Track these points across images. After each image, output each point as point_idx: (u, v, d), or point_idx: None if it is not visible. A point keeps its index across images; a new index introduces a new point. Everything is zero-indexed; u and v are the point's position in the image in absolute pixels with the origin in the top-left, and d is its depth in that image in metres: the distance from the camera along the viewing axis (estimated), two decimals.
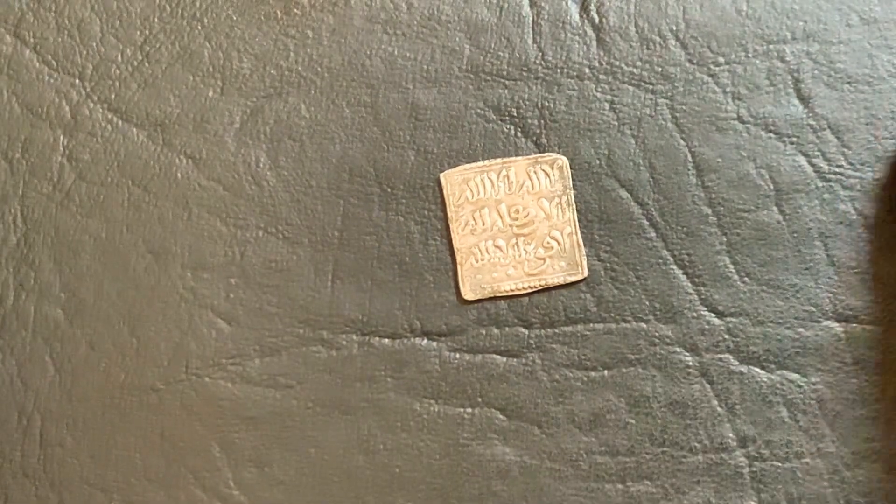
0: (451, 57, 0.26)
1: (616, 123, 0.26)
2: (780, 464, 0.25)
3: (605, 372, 0.26)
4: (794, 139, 0.26)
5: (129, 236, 0.27)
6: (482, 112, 0.26)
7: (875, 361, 0.25)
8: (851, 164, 0.26)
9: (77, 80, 0.27)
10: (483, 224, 0.26)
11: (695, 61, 0.26)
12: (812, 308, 0.25)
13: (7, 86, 0.27)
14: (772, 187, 0.26)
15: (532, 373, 0.26)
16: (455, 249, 0.26)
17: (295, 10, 0.27)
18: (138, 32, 0.27)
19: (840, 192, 0.26)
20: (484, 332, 0.26)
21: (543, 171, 0.26)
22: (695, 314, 0.25)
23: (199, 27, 0.27)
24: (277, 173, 0.26)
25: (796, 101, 0.26)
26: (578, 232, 0.26)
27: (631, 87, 0.26)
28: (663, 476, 0.25)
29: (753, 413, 0.25)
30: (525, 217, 0.26)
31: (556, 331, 0.26)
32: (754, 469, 0.25)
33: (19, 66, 0.27)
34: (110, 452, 0.26)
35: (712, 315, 0.25)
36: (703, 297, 0.25)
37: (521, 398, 0.26)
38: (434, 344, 0.26)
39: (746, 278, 0.25)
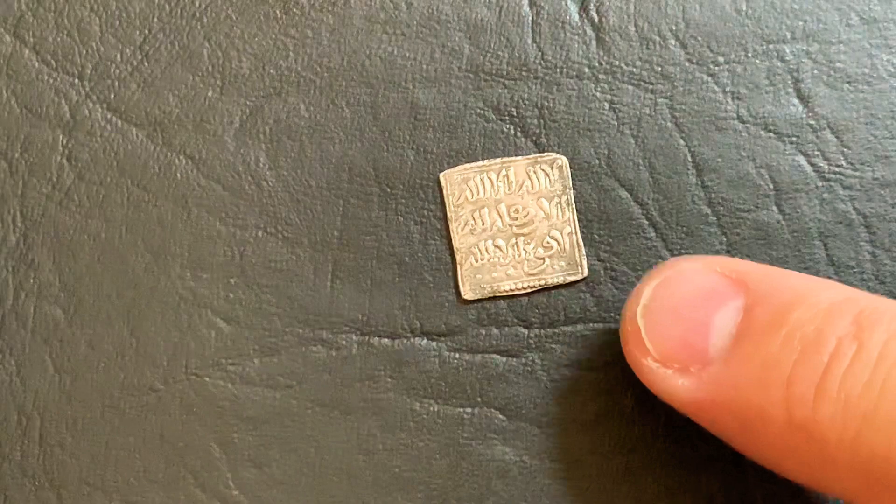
0: (451, 56, 0.26)
1: (615, 123, 0.26)
2: None
3: (605, 371, 0.26)
4: (794, 139, 0.26)
5: (128, 236, 0.27)
6: (482, 112, 0.26)
7: None
8: (851, 163, 0.26)
9: (76, 80, 0.27)
10: (483, 224, 0.26)
11: (694, 61, 0.26)
12: None
13: (6, 85, 0.27)
14: (771, 187, 0.26)
15: (532, 372, 0.26)
16: (455, 249, 0.26)
17: (294, 10, 0.27)
18: (137, 32, 0.27)
19: (840, 192, 0.26)
20: (483, 331, 0.26)
21: (543, 170, 0.26)
22: None
23: (199, 27, 0.27)
24: (277, 173, 0.26)
25: (796, 101, 0.26)
26: (578, 232, 0.26)
27: (630, 87, 0.26)
28: (665, 474, 0.25)
29: None
30: (525, 217, 0.26)
31: (556, 330, 0.26)
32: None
33: (18, 65, 0.27)
34: (109, 452, 0.26)
35: None
36: None
37: (521, 398, 0.26)
38: (434, 344, 0.26)
39: None
